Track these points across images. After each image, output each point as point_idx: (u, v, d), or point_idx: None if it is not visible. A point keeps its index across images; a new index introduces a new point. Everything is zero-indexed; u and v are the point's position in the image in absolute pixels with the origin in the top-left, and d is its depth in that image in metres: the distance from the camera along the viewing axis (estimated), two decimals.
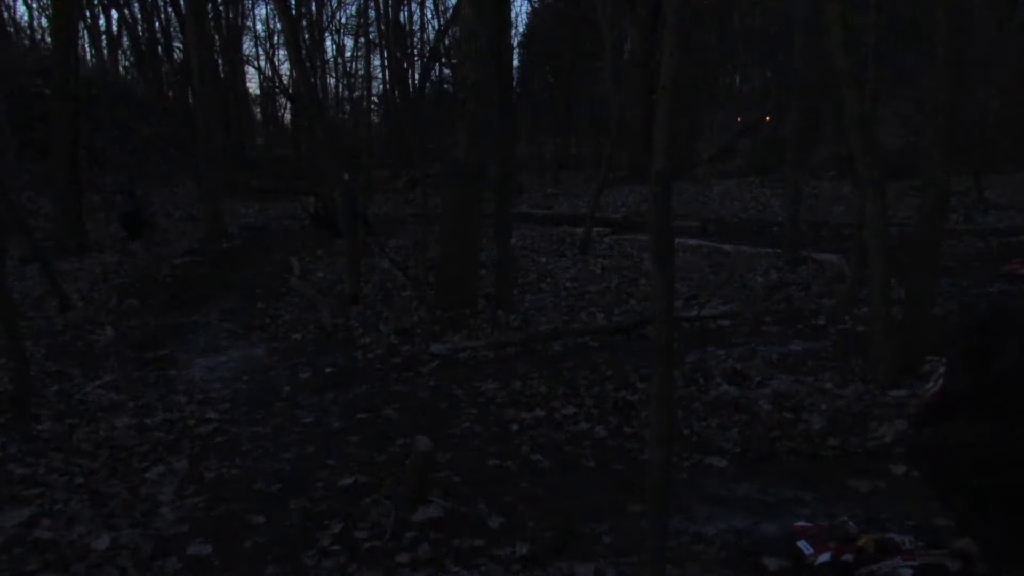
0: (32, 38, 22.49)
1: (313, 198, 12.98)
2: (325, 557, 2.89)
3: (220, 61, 22.69)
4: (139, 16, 23.06)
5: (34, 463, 3.90)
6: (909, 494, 3.28)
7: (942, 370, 2.52)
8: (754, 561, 2.76)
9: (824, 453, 3.79)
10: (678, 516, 3.03)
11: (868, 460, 3.67)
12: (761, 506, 3.23)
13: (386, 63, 24.22)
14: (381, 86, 25.25)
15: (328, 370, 5.81)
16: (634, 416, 4.40)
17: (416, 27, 25.52)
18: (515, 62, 24.19)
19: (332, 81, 27.73)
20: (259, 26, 45.29)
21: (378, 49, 23.56)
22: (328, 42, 27.87)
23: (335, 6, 27.10)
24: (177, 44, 22.80)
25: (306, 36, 19.26)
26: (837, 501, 3.25)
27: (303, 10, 19.56)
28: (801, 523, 2.87)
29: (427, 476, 3.42)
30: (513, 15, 24.34)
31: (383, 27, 21.22)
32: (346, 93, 27.94)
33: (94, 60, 22.56)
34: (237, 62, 25.04)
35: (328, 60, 26.95)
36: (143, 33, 23.02)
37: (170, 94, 23.18)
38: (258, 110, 30.71)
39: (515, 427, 4.35)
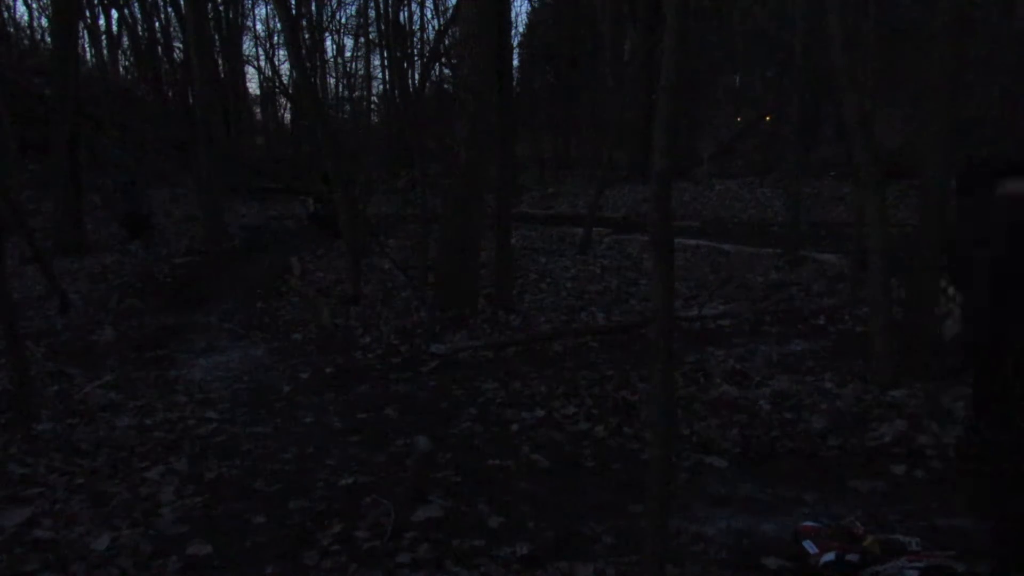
0: (32, 38, 22.49)
1: (312, 199, 12.98)
2: (325, 557, 2.90)
3: (220, 61, 22.66)
4: (139, 16, 23.07)
5: (34, 463, 3.91)
6: (909, 494, 3.29)
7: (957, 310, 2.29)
8: (754, 561, 2.76)
9: (824, 453, 3.79)
10: (678, 516, 3.03)
11: (868, 460, 3.67)
12: (761, 506, 3.24)
13: (386, 63, 24.23)
14: (381, 86, 25.23)
15: (328, 370, 5.81)
16: (634, 416, 4.40)
17: (416, 27, 25.50)
18: (515, 62, 24.18)
19: (332, 81, 27.72)
20: (259, 26, 45.24)
21: (378, 49, 23.55)
22: (328, 42, 27.87)
23: (335, 6, 27.08)
24: (177, 44, 22.79)
25: (306, 36, 19.26)
26: (837, 501, 3.25)
27: (303, 10, 19.55)
28: (808, 523, 2.87)
29: (427, 476, 3.42)
30: (513, 15, 24.32)
31: (383, 27, 21.21)
32: (346, 93, 27.93)
33: (94, 60, 22.56)
34: (237, 62, 25.02)
35: (328, 60, 26.94)
36: (143, 33, 23.02)
37: (170, 94, 23.17)
38: (258, 110, 30.69)
39: (515, 427, 4.35)
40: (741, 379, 4.97)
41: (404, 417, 4.64)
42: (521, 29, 28.93)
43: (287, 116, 29.12)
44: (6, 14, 20.95)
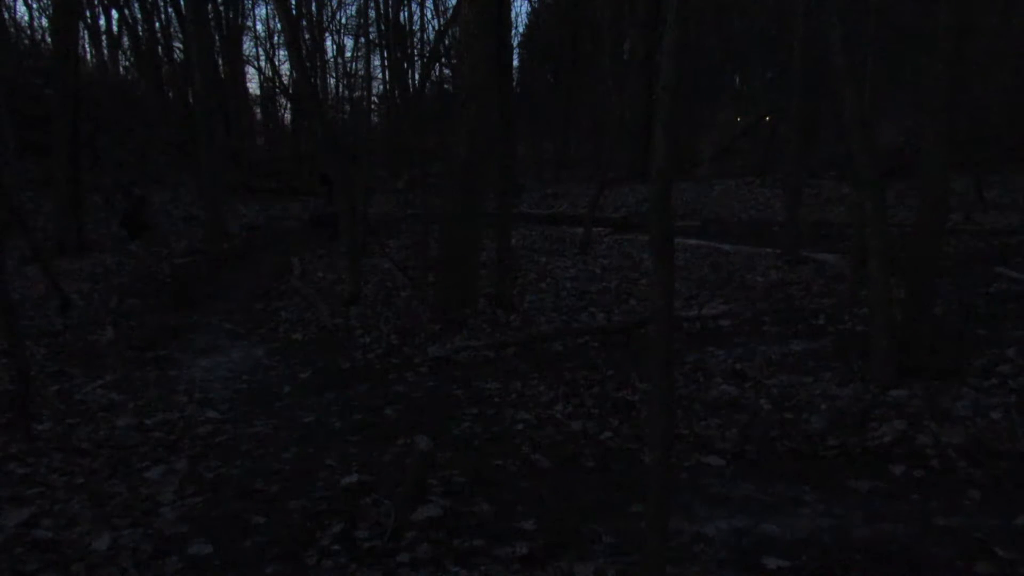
0: (32, 38, 22.46)
1: (326, 197, 12.99)
2: (325, 557, 2.90)
3: (220, 61, 22.65)
4: (139, 16, 23.05)
5: (34, 463, 3.91)
6: (909, 494, 3.29)
7: None
8: (754, 561, 2.76)
9: (824, 453, 3.79)
10: (678, 516, 3.03)
11: (868, 460, 3.67)
12: (761, 506, 3.23)
13: (386, 63, 24.24)
14: (381, 86, 25.21)
15: (328, 370, 5.81)
16: (634, 416, 4.40)
17: (416, 27, 25.50)
18: (515, 62, 24.17)
19: (332, 81, 27.69)
20: (259, 26, 45.33)
21: (378, 49, 23.54)
22: (328, 42, 27.84)
23: (335, 6, 27.10)
24: (177, 44, 22.79)
25: (306, 36, 19.25)
26: (837, 501, 3.25)
27: (303, 10, 19.54)
28: None
29: (427, 476, 3.42)
30: (513, 15, 24.34)
31: (383, 27, 21.22)
32: (346, 93, 27.90)
33: (94, 60, 22.56)
34: (237, 62, 25.00)
35: (328, 60, 26.91)
36: (143, 33, 23.00)
37: (170, 94, 23.16)
38: (258, 110, 30.67)
39: (515, 427, 4.35)
40: (741, 379, 4.97)
41: (404, 417, 4.64)
42: (521, 29, 28.96)
43: (287, 116, 29.12)
44: (6, 14, 20.92)
